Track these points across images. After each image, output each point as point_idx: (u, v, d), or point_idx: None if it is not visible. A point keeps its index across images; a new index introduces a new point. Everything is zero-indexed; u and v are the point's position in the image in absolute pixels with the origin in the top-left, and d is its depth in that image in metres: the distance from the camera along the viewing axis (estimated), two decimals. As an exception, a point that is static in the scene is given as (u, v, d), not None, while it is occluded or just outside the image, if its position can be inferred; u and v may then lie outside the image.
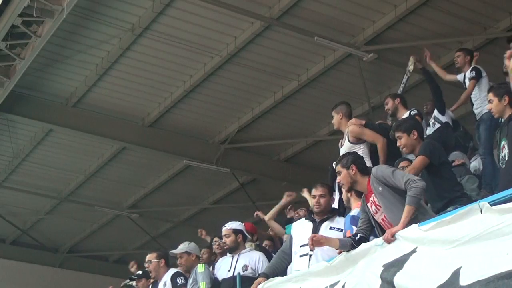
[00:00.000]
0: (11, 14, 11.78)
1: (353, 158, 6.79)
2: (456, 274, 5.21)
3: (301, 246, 7.58)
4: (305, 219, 7.91)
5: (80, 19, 12.41)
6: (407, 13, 11.93)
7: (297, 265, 7.58)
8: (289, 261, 7.89)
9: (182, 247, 9.73)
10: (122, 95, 14.63)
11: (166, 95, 14.55)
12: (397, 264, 5.88)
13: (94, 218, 20.04)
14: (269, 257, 9.03)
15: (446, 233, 5.54)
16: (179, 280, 9.53)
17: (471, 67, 10.15)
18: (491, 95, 6.90)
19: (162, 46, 13.05)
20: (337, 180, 7.06)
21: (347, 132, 9.10)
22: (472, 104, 10.15)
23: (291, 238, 7.90)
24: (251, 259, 9.06)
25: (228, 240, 9.23)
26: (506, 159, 6.51)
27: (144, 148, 16.04)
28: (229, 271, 9.09)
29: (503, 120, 6.88)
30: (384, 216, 6.47)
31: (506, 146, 6.53)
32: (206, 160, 16.22)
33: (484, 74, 10.00)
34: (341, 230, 7.46)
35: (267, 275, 7.80)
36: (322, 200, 7.69)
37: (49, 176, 17.93)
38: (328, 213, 7.72)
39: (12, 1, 11.63)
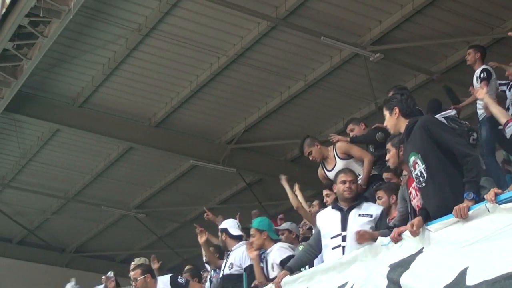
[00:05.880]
0: (18, 14, 11.81)
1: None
2: (462, 274, 5.20)
3: (331, 238, 7.25)
4: (331, 207, 7.51)
5: (87, 20, 12.43)
6: (414, 13, 11.92)
7: (329, 258, 7.17)
8: (316, 254, 7.59)
9: (285, 225, 9.75)
10: (128, 95, 14.66)
11: (172, 95, 14.57)
12: (403, 264, 5.88)
13: (101, 218, 20.09)
14: None
15: (454, 233, 5.52)
16: (180, 280, 9.48)
17: (482, 68, 9.97)
18: (384, 110, 6.33)
19: (168, 46, 13.06)
20: (386, 158, 6.97)
21: (335, 150, 9.25)
22: (476, 105, 10.11)
23: (318, 230, 7.53)
24: (236, 255, 8.88)
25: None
26: (425, 177, 5.85)
27: (151, 148, 16.06)
28: (223, 270, 9.06)
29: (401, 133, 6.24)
30: (420, 202, 6.41)
31: (418, 162, 5.88)
32: (213, 160, 16.24)
33: (494, 76, 9.91)
34: (371, 216, 7.18)
35: (291, 269, 7.55)
36: (353, 186, 7.37)
37: (56, 176, 17.97)
38: (355, 200, 7.37)
39: (19, 2, 11.66)
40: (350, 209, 7.30)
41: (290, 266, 7.65)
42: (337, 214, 7.34)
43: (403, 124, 6.14)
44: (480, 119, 9.77)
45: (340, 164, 9.08)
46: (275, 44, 12.97)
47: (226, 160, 16.21)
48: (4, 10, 12.18)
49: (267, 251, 8.50)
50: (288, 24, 12.26)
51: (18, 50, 12.77)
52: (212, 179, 17.53)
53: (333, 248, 7.19)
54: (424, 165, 5.86)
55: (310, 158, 9.40)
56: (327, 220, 7.44)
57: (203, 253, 11.13)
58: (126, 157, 16.92)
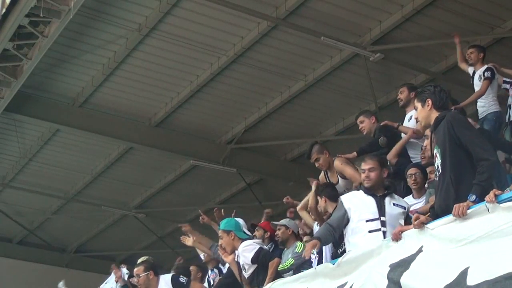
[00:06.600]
0: (18, 14, 11.80)
1: None
2: (463, 274, 5.20)
3: (367, 221, 7.08)
4: (364, 192, 7.29)
5: (87, 19, 12.43)
6: (414, 13, 11.92)
7: (365, 241, 6.94)
8: (335, 235, 7.37)
9: (283, 221, 9.63)
10: (128, 95, 14.65)
11: (172, 95, 14.57)
12: (403, 264, 5.88)
13: (101, 218, 20.09)
14: None
15: (453, 231, 5.53)
16: (182, 279, 9.47)
17: (486, 67, 9.94)
18: (415, 102, 6.37)
19: (168, 46, 13.06)
20: (424, 144, 6.94)
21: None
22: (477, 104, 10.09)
23: (345, 213, 7.24)
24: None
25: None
26: (440, 171, 5.93)
27: (151, 148, 16.06)
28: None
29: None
30: None
31: (438, 155, 5.98)
32: (213, 160, 16.23)
33: (496, 76, 9.93)
34: (404, 208, 7.14)
35: (320, 239, 7.29)
36: (372, 174, 7.21)
37: (56, 176, 17.97)
38: (385, 189, 7.25)
39: (19, 1, 11.66)
40: (383, 196, 7.18)
41: (319, 236, 7.36)
42: (370, 199, 7.18)
43: (434, 116, 6.16)
44: (480, 117, 9.78)
45: (342, 183, 9.02)
46: (275, 44, 12.97)
47: (226, 160, 16.20)
48: (4, 10, 12.17)
49: (236, 252, 8.53)
50: (288, 24, 12.26)
51: (18, 50, 12.76)
52: (212, 179, 17.53)
53: (370, 231, 7.02)
54: (440, 161, 5.92)
55: (316, 164, 9.23)
56: (360, 203, 7.24)
57: (201, 254, 11.12)
58: (126, 157, 16.92)
